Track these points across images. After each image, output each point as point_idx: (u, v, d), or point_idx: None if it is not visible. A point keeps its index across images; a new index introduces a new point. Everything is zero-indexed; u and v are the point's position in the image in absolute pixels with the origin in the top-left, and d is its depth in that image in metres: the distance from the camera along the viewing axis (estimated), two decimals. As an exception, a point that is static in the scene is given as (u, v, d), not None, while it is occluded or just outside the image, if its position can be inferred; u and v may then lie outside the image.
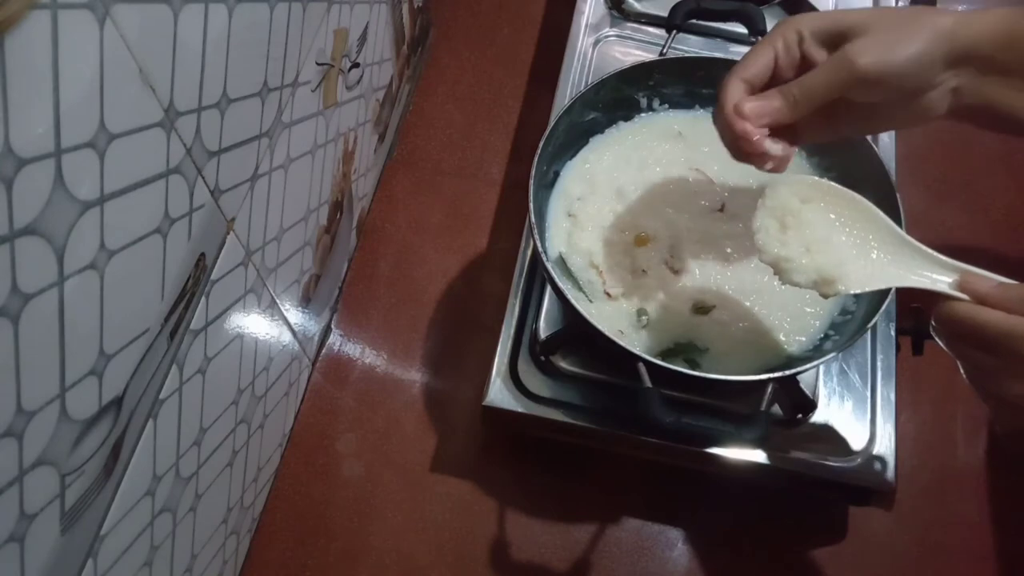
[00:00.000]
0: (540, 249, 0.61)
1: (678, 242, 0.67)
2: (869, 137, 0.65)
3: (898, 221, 0.60)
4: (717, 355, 0.63)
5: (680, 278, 0.66)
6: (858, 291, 0.52)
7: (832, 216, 0.53)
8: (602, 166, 0.70)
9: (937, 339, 0.49)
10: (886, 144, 0.79)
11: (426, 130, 0.96)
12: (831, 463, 0.67)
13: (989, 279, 0.47)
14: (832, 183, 0.54)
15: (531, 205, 0.62)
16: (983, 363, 0.46)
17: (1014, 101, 0.50)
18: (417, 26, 0.95)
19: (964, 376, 0.48)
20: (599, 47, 0.85)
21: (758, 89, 0.54)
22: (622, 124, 0.72)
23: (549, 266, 0.60)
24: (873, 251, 0.52)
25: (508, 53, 1.01)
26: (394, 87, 0.90)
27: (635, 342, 0.63)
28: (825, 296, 0.53)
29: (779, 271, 0.54)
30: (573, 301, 0.59)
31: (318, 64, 0.64)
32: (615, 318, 0.65)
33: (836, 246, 0.53)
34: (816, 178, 0.55)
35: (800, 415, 0.69)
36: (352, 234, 0.87)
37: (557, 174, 0.70)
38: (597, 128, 0.71)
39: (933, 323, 0.48)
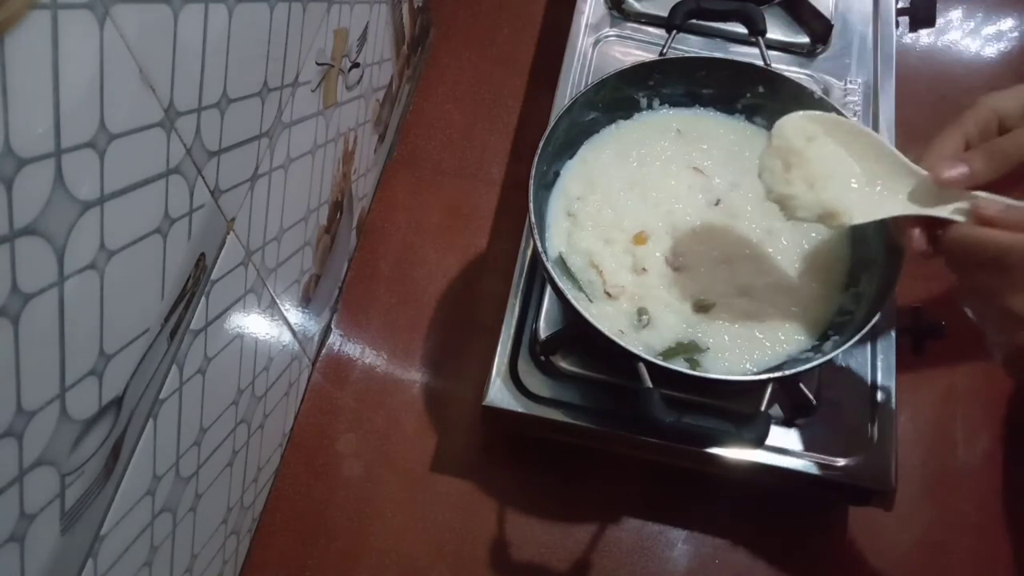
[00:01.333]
0: (540, 249, 0.61)
1: (678, 240, 0.67)
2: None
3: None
4: (717, 354, 0.63)
5: (681, 276, 0.66)
6: (862, 221, 0.54)
7: (837, 150, 0.55)
8: (601, 165, 0.70)
9: (948, 265, 0.51)
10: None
11: (426, 130, 0.96)
12: (831, 463, 0.67)
13: (997, 202, 0.49)
14: (837, 116, 0.56)
15: (531, 205, 0.62)
16: (989, 282, 0.48)
17: None
18: (417, 26, 0.95)
19: (966, 305, 0.51)
20: (599, 47, 0.85)
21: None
22: (621, 123, 0.72)
23: (549, 266, 0.60)
24: (878, 184, 0.54)
25: (508, 53, 1.01)
26: (394, 87, 0.90)
27: (635, 342, 0.63)
28: (831, 228, 0.55)
29: (784, 208, 0.56)
30: (573, 301, 0.59)
31: (318, 64, 0.64)
32: (615, 318, 0.65)
33: (840, 181, 0.54)
34: (821, 112, 0.56)
35: (800, 415, 0.69)
36: (352, 234, 0.87)
37: (557, 174, 0.70)
38: (597, 127, 0.71)
39: (943, 247, 0.50)
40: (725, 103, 0.72)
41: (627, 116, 0.72)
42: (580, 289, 0.65)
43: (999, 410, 0.82)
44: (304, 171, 0.67)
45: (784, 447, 0.67)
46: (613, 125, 0.72)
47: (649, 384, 0.56)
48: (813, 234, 0.67)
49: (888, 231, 0.59)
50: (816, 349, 0.62)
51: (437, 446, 0.79)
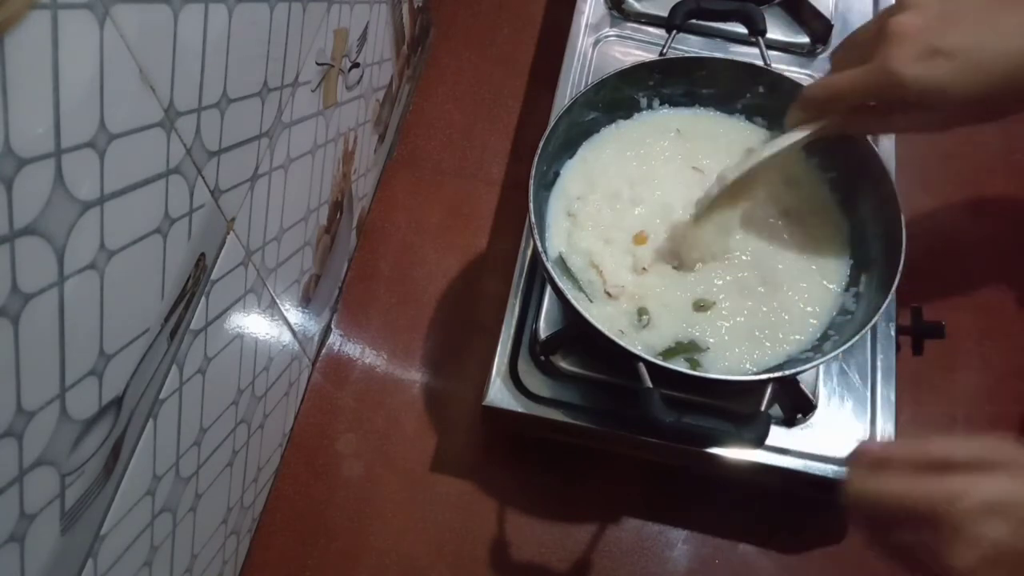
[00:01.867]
0: (540, 249, 0.61)
1: (678, 239, 0.67)
2: (869, 137, 0.65)
3: (898, 221, 0.61)
4: (718, 354, 0.63)
5: (681, 275, 0.66)
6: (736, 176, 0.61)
7: None
8: (601, 164, 0.70)
9: (853, 523, 0.46)
10: (886, 144, 0.79)
11: (426, 130, 0.96)
12: (831, 463, 0.67)
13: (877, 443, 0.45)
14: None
15: (531, 205, 0.62)
16: (915, 540, 0.41)
17: None
18: (417, 26, 0.95)
19: (889, 561, 0.44)
20: (599, 47, 0.85)
21: None
22: (621, 123, 0.72)
23: (549, 266, 0.60)
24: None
25: (508, 53, 1.01)
26: (394, 87, 0.90)
27: (635, 342, 0.63)
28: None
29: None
30: (573, 301, 0.59)
31: (318, 64, 0.64)
32: (615, 318, 0.65)
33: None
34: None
35: (800, 415, 0.69)
36: (352, 234, 0.87)
37: (557, 174, 0.70)
38: (597, 127, 0.71)
39: (846, 511, 0.44)
40: (725, 103, 0.72)
41: (627, 116, 0.72)
42: (580, 289, 0.65)
43: (1000, 410, 0.82)
44: (304, 171, 0.67)
45: (784, 447, 0.67)
46: (613, 125, 0.72)
47: (649, 384, 0.56)
48: (813, 234, 0.67)
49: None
50: (816, 349, 0.62)
51: (437, 446, 0.79)
